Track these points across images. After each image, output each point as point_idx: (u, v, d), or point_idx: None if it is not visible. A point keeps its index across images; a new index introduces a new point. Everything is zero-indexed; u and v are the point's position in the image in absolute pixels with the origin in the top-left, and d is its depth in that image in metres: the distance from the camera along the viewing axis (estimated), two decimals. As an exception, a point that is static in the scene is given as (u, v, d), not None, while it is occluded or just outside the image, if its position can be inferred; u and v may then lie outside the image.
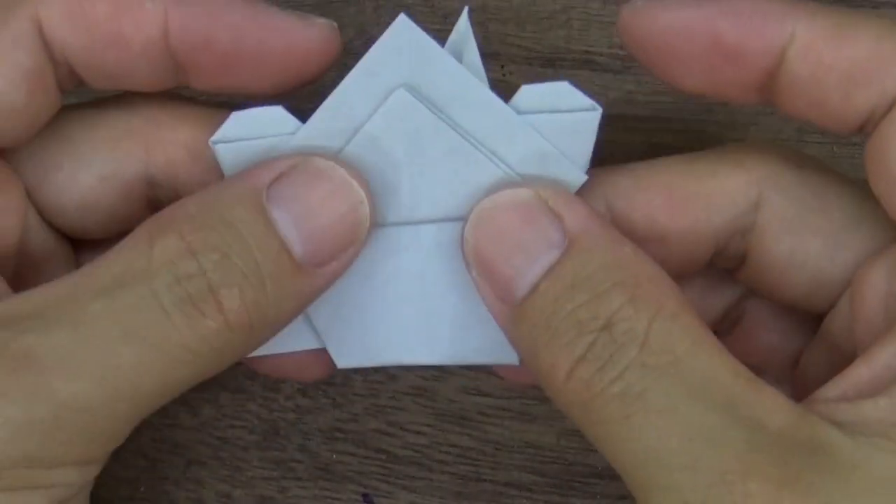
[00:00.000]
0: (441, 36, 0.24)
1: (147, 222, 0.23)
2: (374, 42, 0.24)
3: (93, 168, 0.26)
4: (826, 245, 0.25)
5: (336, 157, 0.24)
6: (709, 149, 0.26)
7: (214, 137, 0.25)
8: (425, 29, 0.24)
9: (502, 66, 0.32)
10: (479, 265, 0.24)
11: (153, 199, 0.27)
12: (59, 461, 0.22)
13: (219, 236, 0.22)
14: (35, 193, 0.26)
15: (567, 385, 0.22)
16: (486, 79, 0.24)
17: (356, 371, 0.33)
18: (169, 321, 0.22)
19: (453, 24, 0.24)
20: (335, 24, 0.25)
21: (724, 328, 0.28)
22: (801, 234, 0.25)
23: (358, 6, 0.32)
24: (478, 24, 0.32)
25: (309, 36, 0.24)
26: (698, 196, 0.25)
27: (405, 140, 0.24)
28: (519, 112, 0.24)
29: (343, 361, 0.27)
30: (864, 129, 0.23)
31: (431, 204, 0.25)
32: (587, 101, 0.24)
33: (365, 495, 0.33)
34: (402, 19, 0.24)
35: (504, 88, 0.24)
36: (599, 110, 0.24)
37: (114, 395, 0.22)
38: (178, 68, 0.25)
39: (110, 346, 0.22)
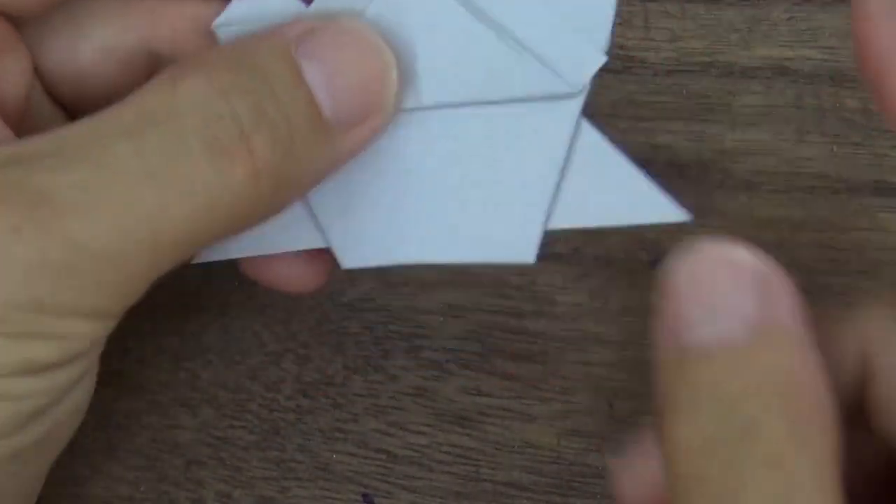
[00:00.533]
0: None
1: (169, 68, 0.22)
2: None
3: (93, 38, 0.25)
4: None
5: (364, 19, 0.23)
6: None
7: (218, 21, 0.24)
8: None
9: (502, 66, 0.32)
10: (669, 286, 0.21)
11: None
12: (70, 310, 0.21)
13: (251, 81, 0.21)
14: (35, 60, 0.25)
15: (679, 455, 0.20)
16: None
17: (356, 371, 0.33)
18: (196, 164, 0.21)
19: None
20: None
21: None
22: None
23: (358, 6, 0.32)
24: (478, 24, 0.32)
25: None
26: None
27: (412, 18, 0.24)
28: None
29: (349, 261, 0.25)
30: None
31: (441, 87, 0.24)
32: None
33: (365, 495, 0.33)
34: None
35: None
36: None
37: (132, 241, 0.21)
38: None
39: (132, 188, 0.21)
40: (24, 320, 0.20)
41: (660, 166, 0.32)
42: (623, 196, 0.24)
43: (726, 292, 0.21)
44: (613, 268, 0.33)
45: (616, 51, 0.32)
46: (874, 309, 0.22)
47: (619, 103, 0.31)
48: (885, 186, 0.32)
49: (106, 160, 0.21)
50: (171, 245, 0.21)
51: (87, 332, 0.22)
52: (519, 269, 0.32)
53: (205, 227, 0.22)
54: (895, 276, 0.32)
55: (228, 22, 0.24)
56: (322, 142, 0.22)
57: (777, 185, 0.32)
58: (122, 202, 0.21)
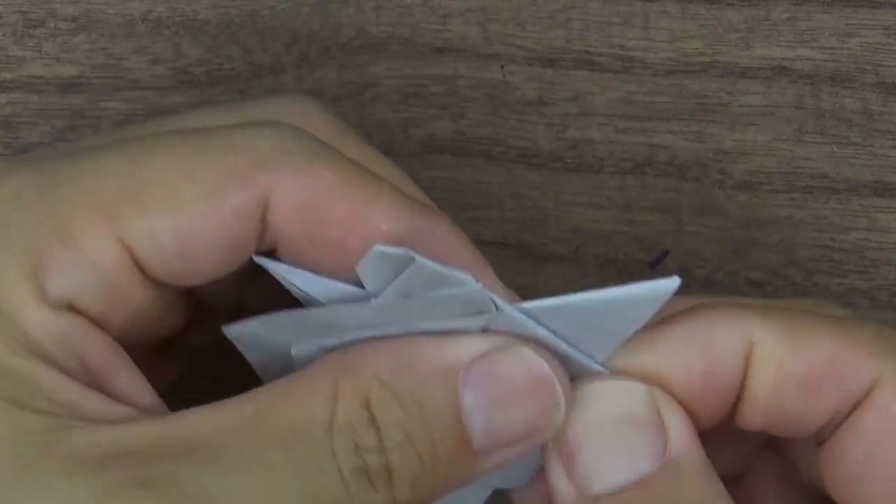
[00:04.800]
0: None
1: (333, 364, 0.22)
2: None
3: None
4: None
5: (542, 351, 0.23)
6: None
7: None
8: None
9: (502, 67, 0.32)
10: (564, 444, 0.23)
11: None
12: None
13: (406, 415, 0.22)
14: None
15: None
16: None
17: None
18: (346, 489, 0.21)
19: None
20: None
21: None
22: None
23: (357, 6, 0.32)
24: (478, 24, 0.32)
25: None
26: None
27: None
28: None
29: None
30: (821, 434, 0.23)
31: None
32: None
33: (365, 495, 0.33)
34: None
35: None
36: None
37: None
38: None
39: (282, 496, 0.21)
40: None
41: (660, 166, 0.32)
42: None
43: (628, 433, 0.22)
44: (613, 268, 0.33)
45: (616, 51, 0.32)
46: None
47: (619, 103, 0.31)
48: (885, 186, 0.32)
49: (263, 468, 0.21)
50: None
51: None
52: (519, 270, 0.32)
53: None
54: (895, 276, 0.32)
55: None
56: (465, 468, 0.22)
57: (777, 185, 0.32)
58: None
